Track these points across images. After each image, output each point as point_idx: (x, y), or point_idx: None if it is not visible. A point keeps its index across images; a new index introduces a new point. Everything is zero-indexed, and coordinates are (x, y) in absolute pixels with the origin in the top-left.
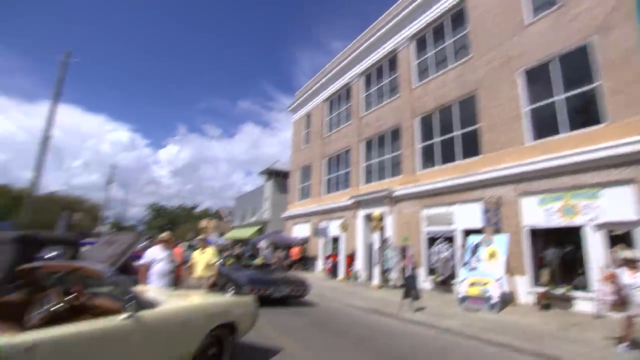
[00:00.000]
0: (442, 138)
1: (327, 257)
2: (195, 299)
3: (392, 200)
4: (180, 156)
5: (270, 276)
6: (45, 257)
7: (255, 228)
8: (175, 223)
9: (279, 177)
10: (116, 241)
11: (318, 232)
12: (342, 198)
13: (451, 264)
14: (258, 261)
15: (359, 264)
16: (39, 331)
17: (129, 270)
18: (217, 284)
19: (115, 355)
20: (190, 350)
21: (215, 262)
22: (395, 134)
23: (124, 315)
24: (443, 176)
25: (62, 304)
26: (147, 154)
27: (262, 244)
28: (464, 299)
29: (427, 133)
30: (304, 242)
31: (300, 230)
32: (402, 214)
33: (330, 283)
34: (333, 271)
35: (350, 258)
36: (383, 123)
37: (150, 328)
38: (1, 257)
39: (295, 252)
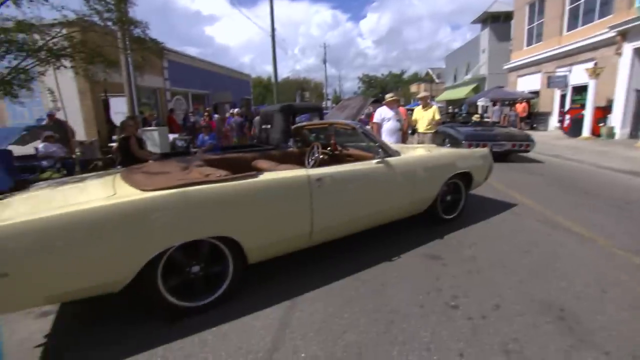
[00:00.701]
0: None
1: (565, 112)
2: (434, 150)
3: None
4: (381, 23)
5: (489, 131)
6: (300, 119)
7: (470, 87)
8: (386, 91)
9: (497, 22)
10: (348, 105)
11: (553, 81)
12: (593, 32)
13: None
14: (475, 118)
15: (617, 118)
16: (322, 168)
17: None
18: (435, 142)
19: (373, 191)
20: (431, 195)
21: (438, 119)
22: None
23: (376, 160)
24: None
25: (324, 155)
26: (349, 28)
27: (481, 102)
28: None
29: None
30: (531, 96)
31: (527, 83)
32: None
33: (569, 142)
34: (573, 128)
35: (602, 111)
36: None
37: (398, 171)
38: (277, 122)
39: (520, 108)
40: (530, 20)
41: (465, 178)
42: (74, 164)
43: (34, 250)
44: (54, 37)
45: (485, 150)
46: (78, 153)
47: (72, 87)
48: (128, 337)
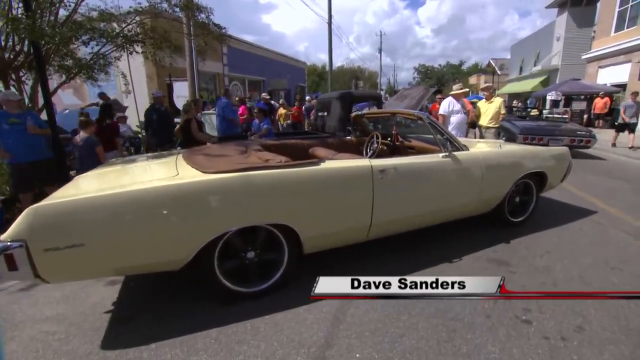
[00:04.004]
0: None
1: None
2: (504, 146)
3: None
4: (441, 10)
5: (546, 125)
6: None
7: (539, 79)
8: (443, 83)
9: (578, 5)
10: (408, 95)
11: None
12: None
13: None
14: (533, 112)
15: None
16: (386, 159)
17: None
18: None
19: (438, 186)
20: (500, 195)
21: (503, 113)
22: None
23: (443, 154)
24: None
25: (384, 145)
26: (407, 16)
27: (551, 96)
28: None
29: None
30: (615, 90)
31: (611, 75)
32: None
33: None
34: None
35: None
36: None
37: (466, 167)
38: (334, 109)
39: (600, 104)
40: (624, 1)
41: (538, 178)
42: (140, 143)
43: (105, 223)
44: (128, 24)
45: (563, 149)
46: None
47: (142, 71)
48: (187, 314)
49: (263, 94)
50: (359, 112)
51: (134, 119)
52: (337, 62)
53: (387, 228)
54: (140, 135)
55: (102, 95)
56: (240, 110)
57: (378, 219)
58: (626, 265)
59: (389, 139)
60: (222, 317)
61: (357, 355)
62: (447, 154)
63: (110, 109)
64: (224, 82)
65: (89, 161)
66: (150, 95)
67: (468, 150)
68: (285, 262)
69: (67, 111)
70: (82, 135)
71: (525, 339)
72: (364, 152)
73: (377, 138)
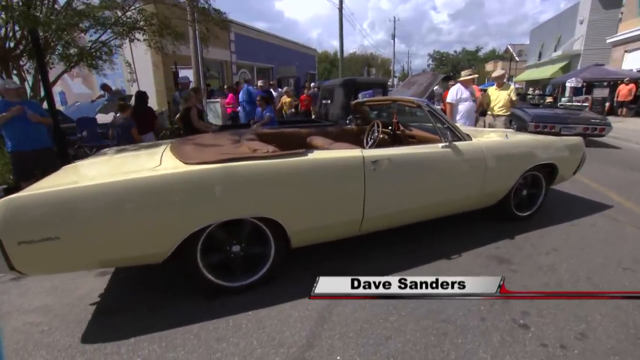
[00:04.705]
0: None
1: None
2: (512, 136)
3: None
4: None
5: (558, 113)
6: (362, 95)
7: (559, 65)
8: (458, 70)
9: None
10: (416, 82)
11: None
12: None
13: None
14: (548, 100)
15: None
16: (380, 149)
17: None
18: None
19: (437, 178)
20: (505, 187)
21: (515, 100)
22: None
23: (442, 144)
24: None
25: (385, 134)
26: (423, 0)
27: (571, 83)
28: None
29: None
30: None
31: (638, 60)
32: None
33: None
34: None
35: None
36: None
37: (468, 158)
38: (337, 97)
39: (624, 90)
40: None
41: (548, 170)
42: None
43: (79, 216)
44: (127, 10)
45: (576, 139)
46: None
47: (147, 60)
48: (171, 308)
49: (259, 81)
50: (359, 100)
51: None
52: (350, 49)
53: (381, 222)
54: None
55: (104, 86)
56: (228, 99)
57: (371, 213)
58: None
59: (389, 127)
60: (205, 312)
61: (338, 357)
62: (447, 144)
63: (143, 95)
64: (231, 69)
65: (124, 141)
66: (158, 83)
67: (471, 140)
68: (272, 257)
69: (78, 103)
70: (119, 117)
71: (520, 346)
72: (365, 141)
73: (378, 127)
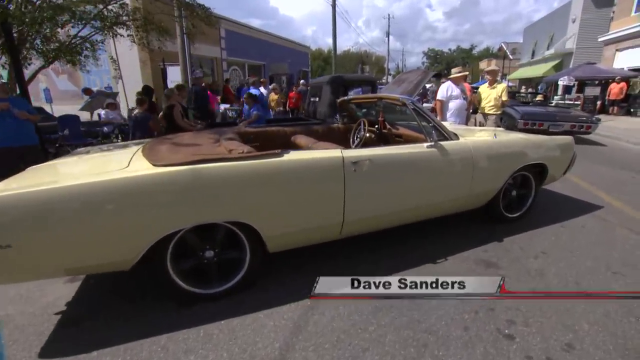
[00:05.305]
0: None
1: None
2: (501, 135)
3: None
4: None
5: (547, 111)
6: (355, 93)
7: (551, 64)
8: (451, 67)
9: None
10: (406, 79)
11: None
12: None
13: None
14: (538, 98)
15: None
16: (361, 150)
17: None
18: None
19: (422, 180)
20: (493, 188)
21: (505, 100)
22: None
23: (428, 144)
24: None
25: (371, 133)
26: None
27: (563, 81)
28: None
29: None
30: (633, 74)
31: (629, 59)
32: None
33: None
34: None
35: None
36: None
37: (454, 159)
38: (325, 94)
39: (615, 89)
40: None
41: (538, 170)
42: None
43: (32, 223)
44: (108, 4)
45: (566, 139)
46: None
47: (134, 56)
48: (139, 317)
49: (247, 77)
50: (345, 98)
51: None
52: (345, 47)
53: (363, 225)
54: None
55: (86, 90)
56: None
57: (352, 216)
58: (630, 270)
59: (376, 126)
60: (175, 321)
61: None
62: (432, 143)
63: (149, 90)
64: (222, 66)
65: (140, 134)
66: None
67: (458, 139)
68: (247, 262)
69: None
70: (137, 111)
71: (504, 358)
72: (351, 140)
73: (364, 125)
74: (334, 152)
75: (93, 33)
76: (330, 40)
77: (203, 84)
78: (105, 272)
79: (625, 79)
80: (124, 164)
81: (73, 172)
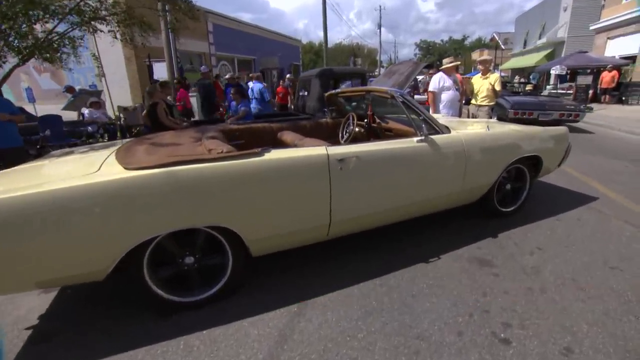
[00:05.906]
0: None
1: None
2: (494, 127)
3: None
4: None
5: (537, 100)
6: (343, 87)
7: (543, 53)
8: (444, 57)
9: None
10: (397, 71)
11: None
12: None
13: None
14: (528, 87)
15: None
16: (347, 146)
17: None
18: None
19: (412, 176)
20: (487, 183)
21: (498, 90)
22: None
23: (418, 138)
24: None
25: (359, 128)
26: None
27: (555, 70)
28: None
29: None
30: (624, 63)
31: (620, 47)
32: None
33: None
34: None
35: None
36: None
37: (446, 153)
38: (314, 88)
39: (607, 78)
40: None
41: (532, 163)
42: (116, 130)
43: None
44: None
45: (561, 129)
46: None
47: (118, 53)
48: (116, 330)
49: (229, 74)
50: (332, 91)
51: (120, 100)
52: (337, 39)
53: (352, 225)
54: (118, 122)
55: (69, 88)
56: (179, 94)
57: (339, 216)
58: (628, 265)
59: (365, 120)
60: (155, 333)
61: None
62: (422, 137)
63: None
64: (210, 61)
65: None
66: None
67: (449, 132)
68: (230, 268)
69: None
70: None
71: None
72: (340, 135)
73: (353, 120)
74: (318, 150)
75: (70, 29)
76: (321, 33)
77: (208, 80)
78: (79, 284)
79: (617, 67)
80: (95, 167)
81: (40, 178)
